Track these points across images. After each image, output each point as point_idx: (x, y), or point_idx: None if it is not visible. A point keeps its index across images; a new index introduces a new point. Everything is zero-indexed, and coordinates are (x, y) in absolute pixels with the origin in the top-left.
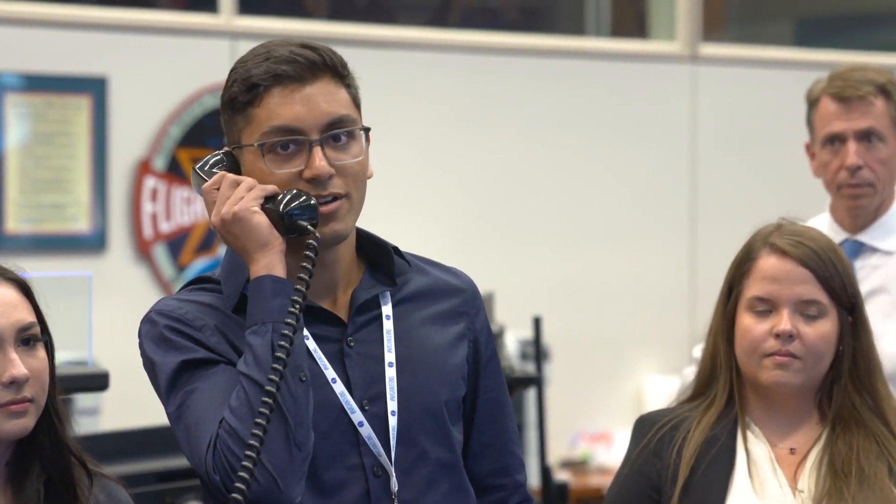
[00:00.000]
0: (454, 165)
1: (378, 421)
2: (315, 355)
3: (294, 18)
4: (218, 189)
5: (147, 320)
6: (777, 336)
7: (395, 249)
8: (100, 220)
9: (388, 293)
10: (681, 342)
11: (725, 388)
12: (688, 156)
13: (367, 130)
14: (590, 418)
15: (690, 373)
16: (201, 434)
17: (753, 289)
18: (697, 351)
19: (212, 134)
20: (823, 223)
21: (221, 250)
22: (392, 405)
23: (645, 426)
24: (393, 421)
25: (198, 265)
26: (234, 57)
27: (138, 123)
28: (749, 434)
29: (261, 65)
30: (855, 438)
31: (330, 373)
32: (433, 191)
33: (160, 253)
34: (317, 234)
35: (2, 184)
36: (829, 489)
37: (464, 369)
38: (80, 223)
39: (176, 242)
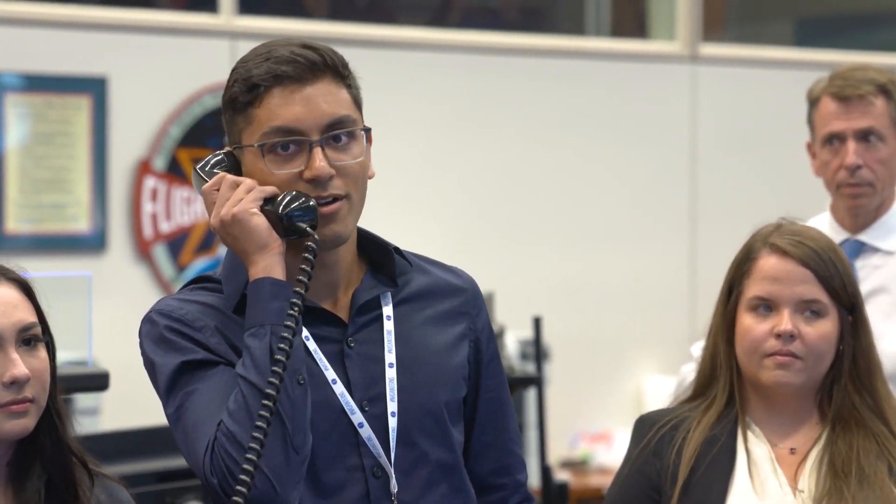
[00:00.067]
0: (454, 165)
1: (378, 422)
2: (315, 356)
3: (294, 18)
4: (218, 190)
5: (147, 320)
6: (778, 336)
7: (397, 249)
8: (100, 220)
9: (389, 294)
10: (681, 342)
11: (725, 388)
12: (688, 156)
13: (367, 131)
14: (590, 418)
15: (688, 370)
16: (199, 436)
17: (754, 289)
18: (695, 349)
19: (212, 134)
20: (824, 223)
21: (221, 250)
22: (392, 406)
23: (645, 426)
24: (393, 422)
25: (198, 265)
26: (234, 57)
27: (138, 123)
28: (749, 434)
29: (261, 65)
30: (855, 438)
31: (330, 373)
32: (433, 191)
33: (160, 253)
34: (316, 237)
35: (2, 184)
36: (829, 489)
37: (464, 370)
38: (80, 223)
39: (176, 242)
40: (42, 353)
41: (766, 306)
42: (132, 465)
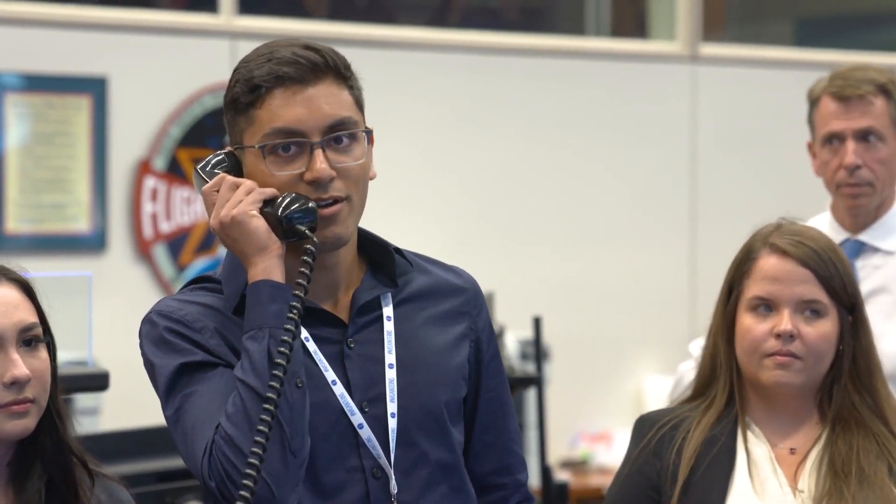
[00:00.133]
0: (454, 165)
1: (378, 423)
2: (315, 357)
3: (294, 18)
4: (217, 191)
5: (147, 321)
6: (778, 336)
7: (397, 249)
8: (100, 220)
9: (390, 294)
10: (681, 342)
11: (725, 388)
12: (688, 156)
13: (369, 132)
14: (590, 418)
15: (686, 369)
16: (198, 439)
17: (754, 289)
18: (694, 347)
19: (212, 134)
20: (824, 222)
21: (221, 250)
22: (392, 407)
23: (645, 426)
24: (392, 423)
25: (198, 265)
26: (234, 57)
27: (138, 123)
28: (749, 434)
29: (263, 66)
30: (855, 438)
31: (330, 374)
32: (433, 191)
33: (160, 253)
34: (315, 239)
35: (2, 184)
36: (829, 489)
37: (465, 370)
38: (80, 223)
39: (176, 242)
40: (43, 353)
41: (766, 306)
42: (132, 465)
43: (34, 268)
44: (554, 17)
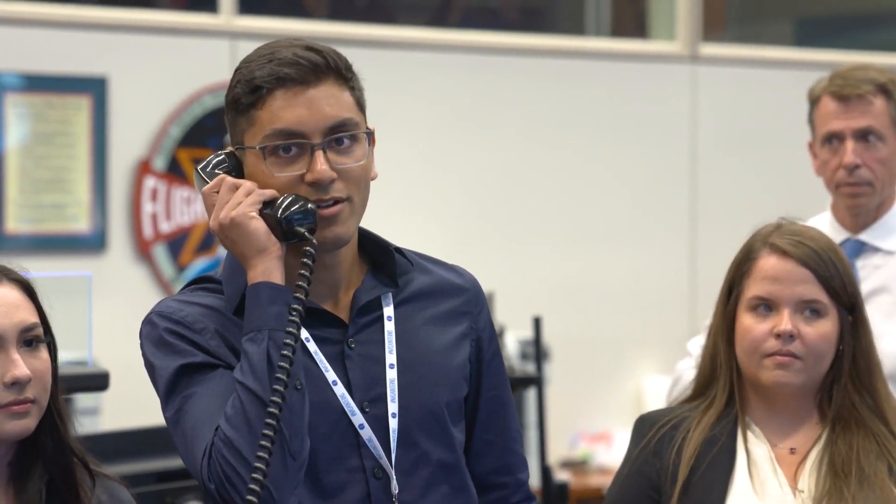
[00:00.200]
0: (454, 165)
1: (378, 423)
2: (316, 357)
3: (294, 18)
4: (217, 192)
5: (147, 322)
6: (778, 336)
7: (398, 249)
8: (100, 220)
9: (390, 294)
10: (681, 342)
11: (725, 388)
12: (688, 156)
13: (370, 133)
14: (590, 418)
15: (685, 367)
16: (197, 441)
17: (754, 289)
18: (692, 345)
19: (212, 134)
20: (825, 222)
21: (221, 250)
22: (392, 407)
23: (645, 426)
24: (393, 423)
25: (198, 265)
26: (234, 57)
27: (138, 123)
28: (749, 434)
29: (264, 66)
30: (855, 438)
31: (331, 375)
32: (433, 191)
33: (160, 253)
34: (314, 241)
35: (2, 184)
36: (829, 489)
37: (466, 369)
38: (80, 223)
39: (176, 242)
40: (43, 353)
41: (766, 306)
42: (132, 465)
43: (34, 268)
44: (554, 17)
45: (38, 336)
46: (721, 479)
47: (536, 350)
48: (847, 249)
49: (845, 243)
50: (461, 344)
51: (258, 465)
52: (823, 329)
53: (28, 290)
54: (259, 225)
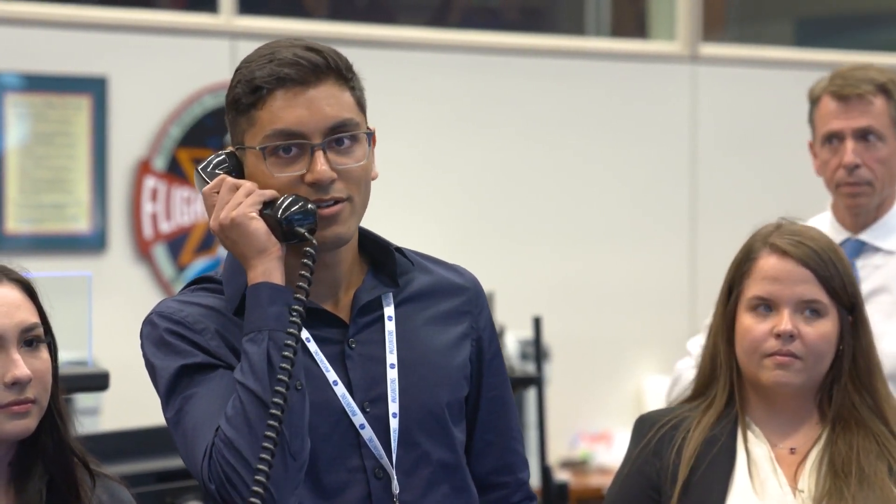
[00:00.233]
0: (454, 165)
1: (379, 423)
2: (316, 357)
3: (294, 18)
4: (217, 192)
5: (148, 322)
6: (778, 336)
7: (398, 249)
8: (100, 220)
9: (391, 294)
10: (681, 342)
11: (725, 388)
12: (688, 156)
13: (370, 133)
14: (590, 418)
15: (684, 367)
16: (198, 442)
17: (754, 289)
18: (691, 345)
19: (212, 134)
20: (825, 222)
21: (221, 251)
22: (393, 407)
23: (645, 426)
24: (394, 423)
25: (198, 265)
26: (235, 57)
27: (138, 123)
28: (749, 434)
29: (264, 67)
30: (855, 438)
31: (331, 375)
32: (433, 191)
33: (160, 253)
34: (314, 242)
35: (2, 184)
36: (829, 489)
37: (466, 369)
38: (80, 223)
39: (176, 242)
40: (44, 353)
41: (766, 306)
42: (132, 465)
43: (34, 268)
44: (554, 17)
45: (39, 336)
46: (721, 479)
47: (536, 350)
48: (847, 249)
49: (845, 243)
50: (462, 344)
51: (261, 466)
52: (823, 329)
53: (28, 290)
54: (259, 225)
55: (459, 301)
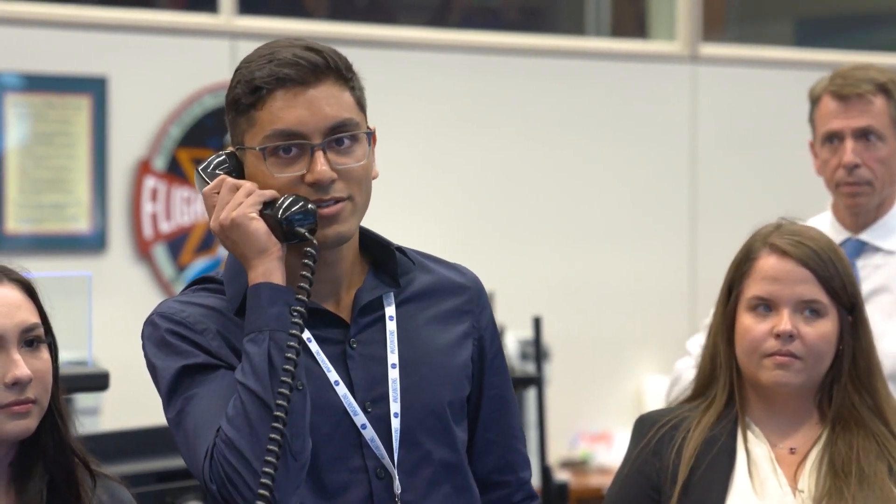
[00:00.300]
0: (454, 165)
1: (381, 423)
2: (318, 357)
3: (294, 18)
4: (218, 193)
5: (149, 323)
6: (777, 336)
7: (399, 248)
8: (100, 220)
9: (392, 293)
10: (681, 342)
11: (725, 388)
12: (688, 156)
13: (371, 133)
14: (590, 418)
15: (683, 366)
16: (199, 442)
17: (753, 289)
18: (691, 344)
19: (212, 134)
20: (825, 222)
21: (221, 250)
22: (395, 407)
23: (645, 426)
24: (396, 423)
25: (198, 265)
26: (234, 57)
27: (138, 123)
28: (749, 434)
29: (264, 67)
30: (855, 438)
31: (333, 375)
32: (433, 191)
33: (160, 253)
34: (314, 242)
35: (2, 184)
36: (829, 489)
37: (468, 368)
38: (80, 223)
39: (176, 242)
40: (44, 353)
41: (766, 306)
42: (132, 465)
43: (34, 268)
44: (554, 17)
45: (39, 336)
46: (721, 479)
47: (536, 350)
48: (848, 249)
49: (846, 243)
50: (463, 343)
51: (266, 469)
52: (823, 329)
53: (29, 290)
54: (259, 226)
55: (461, 300)
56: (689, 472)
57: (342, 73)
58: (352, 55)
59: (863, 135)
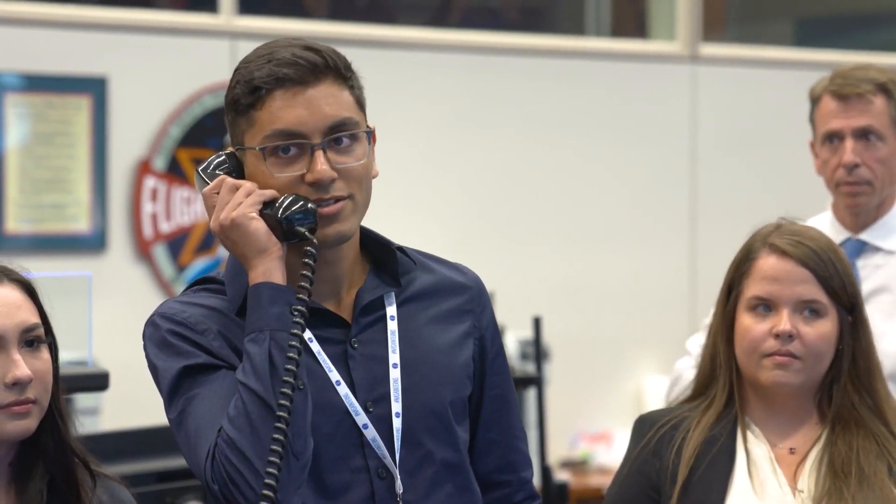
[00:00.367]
0: (454, 165)
1: (382, 423)
2: (319, 357)
3: (294, 18)
4: (217, 193)
5: (150, 323)
6: (777, 336)
7: (400, 248)
8: (100, 220)
9: (393, 293)
10: (681, 342)
11: (725, 388)
12: (688, 156)
13: (370, 132)
14: (590, 418)
15: (683, 366)
16: (201, 442)
17: (753, 289)
18: (691, 344)
19: (212, 134)
20: (825, 222)
21: (221, 250)
22: (396, 407)
23: (645, 426)
24: (397, 422)
25: (198, 265)
26: (234, 57)
27: (138, 123)
28: (749, 434)
29: (263, 67)
30: (855, 438)
31: (334, 375)
32: (433, 191)
33: (160, 253)
34: (314, 241)
35: (2, 184)
36: (828, 489)
37: (469, 368)
38: (80, 223)
39: (176, 242)
40: (44, 354)
41: (766, 306)
42: (132, 465)
43: (34, 268)
44: (554, 17)
45: (40, 336)
46: (721, 479)
47: (536, 350)
48: (848, 249)
49: (846, 243)
50: (464, 342)
51: (269, 469)
52: (823, 329)
53: (29, 290)
54: (259, 225)
55: (462, 300)
56: (688, 472)
57: (341, 73)
58: (352, 55)
59: (863, 134)
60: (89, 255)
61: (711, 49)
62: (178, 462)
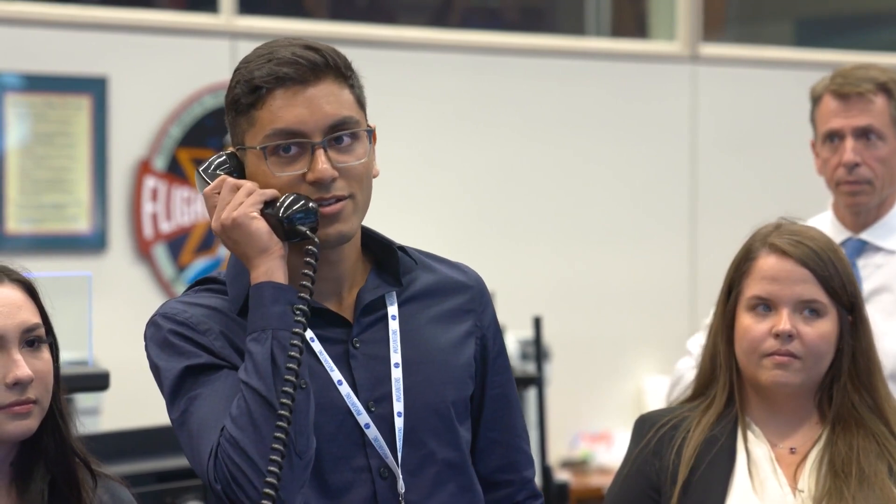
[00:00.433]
0: (454, 165)
1: (384, 422)
2: (321, 357)
3: (294, 18)
4: (218, 193)
5: (152, 324)
6: (777, 336)
7: (401, 248)
8: (100, 220)
9: (394, 293)
10: (681, 342)
11: (725, 388)
12: (688, 156)
13: (371, 131)
14: (590, 418)
15: (684, 366)
16: (203, 442)
17: (753, 288)
18: (691, 344)
19: (212, 134)
20: (826, 221)
21: (221, 250)
22: (398, 406)
23: (645, 426)
24: (399, 422)
25: (198, 265)
26: (234, 57)
27: (138, 123)
28: (749, 434)
29: (263, 66)
30: (855, 438)
31: (336, 374)
32: (433, 191)
33: (160, 253)
34: (316, 240)
35: (2, 184)
36: (829, 489)
37: (471, 368)
38: (80, 223)
39: (176, 242)
40: (45, 354)
41: (766, 306)
42: (132, 465)
43: (34, 268)
44: (554, 17)
45: (40, 336)
46: (721, 479)
47: (536, 350)
48: (848, 249)
49: (846, 242)
50: (466, 342)
51: (272, 468)
52: (822, 329)
53: (30, 290)
54: (261, 225)
55: (463, 299)
56: (688, 472)
57: (341, 72)
58: (352, 55)
59: (863, 134)
60: (89, 255)
61: (711, 49)
62: (178, 462)
